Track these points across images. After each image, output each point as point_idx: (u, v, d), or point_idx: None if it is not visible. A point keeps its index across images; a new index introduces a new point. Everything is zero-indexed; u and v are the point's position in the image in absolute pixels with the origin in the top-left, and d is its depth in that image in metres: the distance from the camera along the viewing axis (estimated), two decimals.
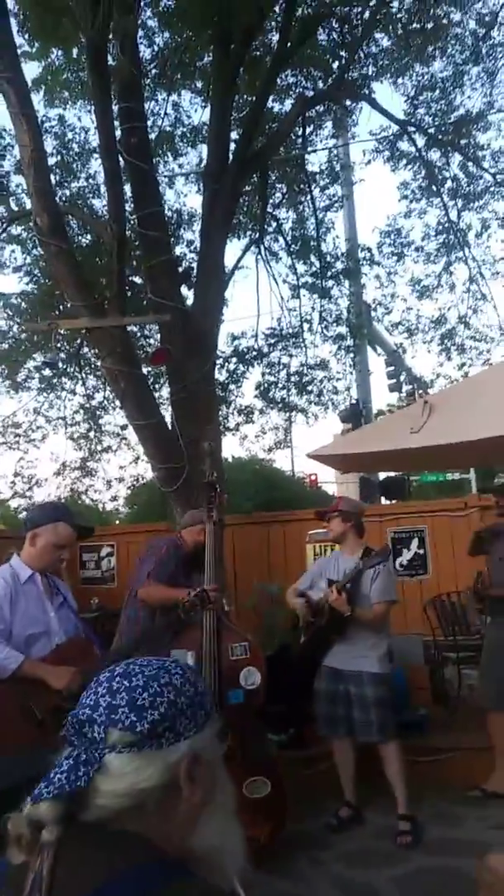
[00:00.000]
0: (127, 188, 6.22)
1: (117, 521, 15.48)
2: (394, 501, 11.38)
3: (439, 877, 3.46)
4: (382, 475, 11.86)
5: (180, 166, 9.26)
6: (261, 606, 5.89)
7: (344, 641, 4.05)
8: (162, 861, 0.89)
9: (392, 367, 12.98)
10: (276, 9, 7.09)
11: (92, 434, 10.09)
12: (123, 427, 9.87)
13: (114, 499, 14.15)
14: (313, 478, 17.28)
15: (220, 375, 9.17)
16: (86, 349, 8.45)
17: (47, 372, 8.81)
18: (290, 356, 10.14)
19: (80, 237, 8.05)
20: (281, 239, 9.74)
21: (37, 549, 2.91)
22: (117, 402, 7.41)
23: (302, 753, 4.56)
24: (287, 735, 4.78)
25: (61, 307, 7.65)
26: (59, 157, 8.32)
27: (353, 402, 11.58)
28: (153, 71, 8.21)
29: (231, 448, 29.13)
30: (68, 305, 6.26)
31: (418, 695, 5.21)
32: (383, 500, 11.55)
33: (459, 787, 4.36)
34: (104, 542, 7.54)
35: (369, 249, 10.49)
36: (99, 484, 12.18)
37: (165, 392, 7.25)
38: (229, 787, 1.04)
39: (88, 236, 8.05)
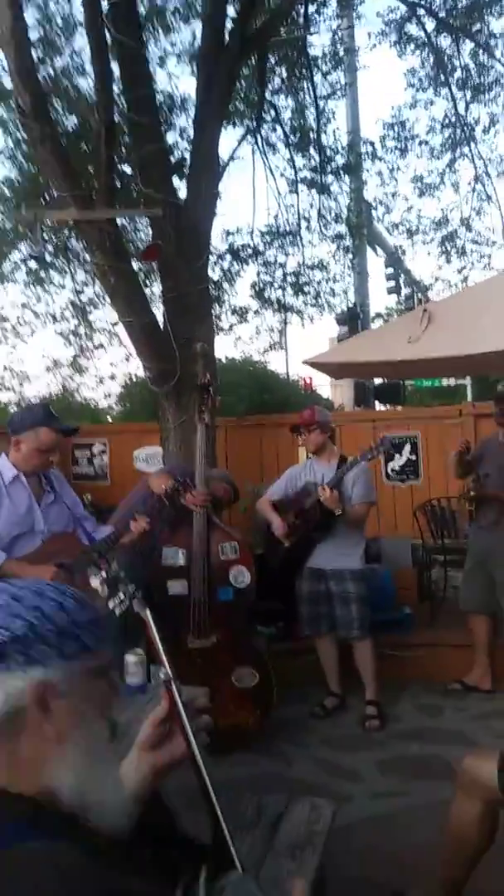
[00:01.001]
0: (115, 68, 5.79)
1: (109, 419, 15.46)
2: (388, 406, 11.35)
3: (419, 762, 3.65)
4: (378, 380, 11.78)
5: (172, 45, 8.58)
6: (253, 509, 5.93)
7: (328, 542, 4.15)
8: (12, 812, 0.86)
9: (391, 270, 12.64)
10: None
11: (82, 330, 9.84)
12: (115, 324, 9.63)
13: (107, 396, 14.13)
14: (307, 380, 17.19)
15: (214, 273, 8.88)
16: (74, 242, 8.13)
17: (34, 264, 8.47)
18: (287, 255, 9.82)
19: (65, 119, 7.55)
20: (279, 129, 9.20)
21: (21, 454, 2.90)
22: (107, 299, 7.17)
23: (291, 645, 4.70)
24: (277, 628, 4.93)
25: (47, 196, 7.28)
26: (41, 32, 7.69)
27: (351, 304, 11.33)
28: None
29: (225, 349, 28.85)
30: (54, 195, 5.95)
31: (405, 595, 5.33)
32: (377, 405, 11.50)
33: (441, 680, 4.55)
34: (96, 440, 7.53)
35: (372, 143, 9.97)
36: (91, 381, 12.09)
37: (157, 289, 7.02)
38: (101, 732, 0.98)
39: (74, 119, 7.56)
